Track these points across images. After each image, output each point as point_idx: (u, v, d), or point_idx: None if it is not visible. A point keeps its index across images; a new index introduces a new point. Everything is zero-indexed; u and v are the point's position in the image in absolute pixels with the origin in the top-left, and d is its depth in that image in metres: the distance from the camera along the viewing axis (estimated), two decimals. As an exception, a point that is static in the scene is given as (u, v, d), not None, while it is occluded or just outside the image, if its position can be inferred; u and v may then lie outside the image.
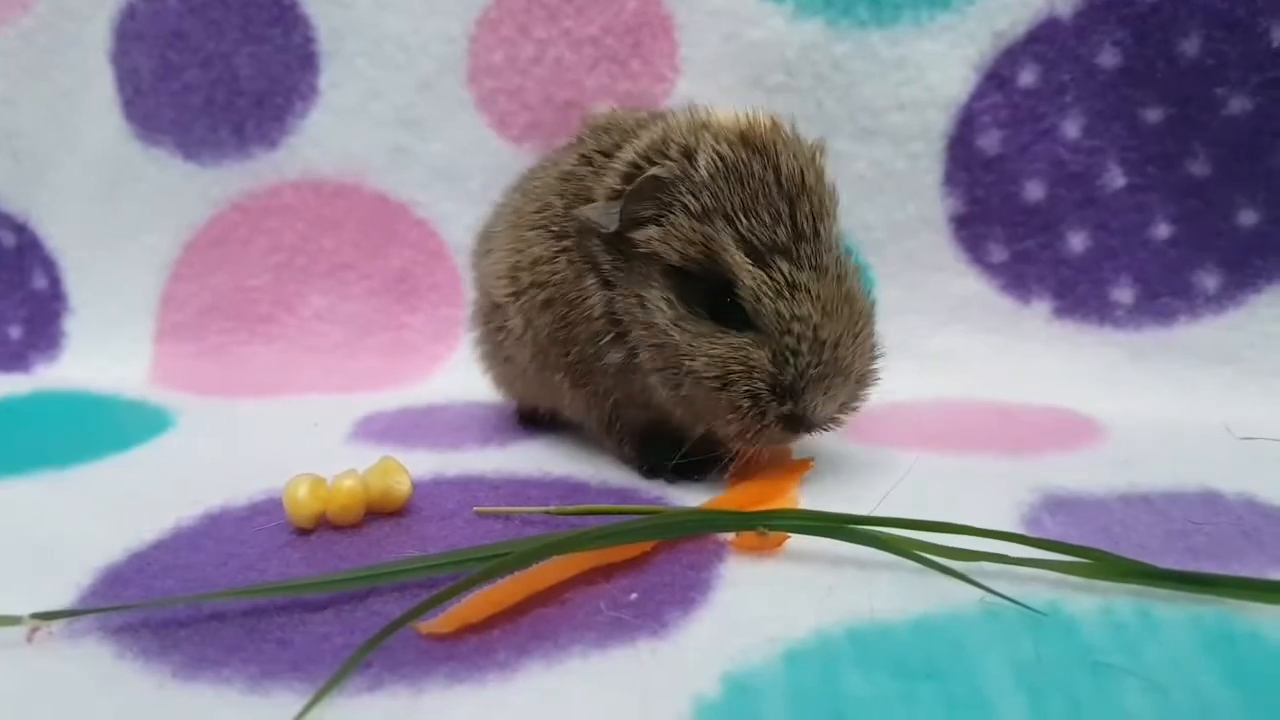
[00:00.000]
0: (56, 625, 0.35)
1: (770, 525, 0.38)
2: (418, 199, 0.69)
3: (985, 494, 0.45)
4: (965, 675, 0.31)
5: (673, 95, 0.65)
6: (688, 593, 0.36)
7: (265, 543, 0.42)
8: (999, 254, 0.62)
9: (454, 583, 0.34)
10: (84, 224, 0.73)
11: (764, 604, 0.35)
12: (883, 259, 0.63)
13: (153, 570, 0.40)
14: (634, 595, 0.36)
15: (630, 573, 0.38)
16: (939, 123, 0.61)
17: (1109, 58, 0.59)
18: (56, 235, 0.74)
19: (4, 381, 0.72)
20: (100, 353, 0.73)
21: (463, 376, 0.66)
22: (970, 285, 0.62)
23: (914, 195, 0.62)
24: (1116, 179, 0.59)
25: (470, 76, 0.67)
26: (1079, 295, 0.61)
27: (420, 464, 0.50)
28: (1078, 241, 0.61)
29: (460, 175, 0.68)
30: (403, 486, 0.45)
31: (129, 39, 0.69)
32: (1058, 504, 0.44)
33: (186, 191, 0.71)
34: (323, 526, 0.43)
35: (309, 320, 0.71)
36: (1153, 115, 0.58)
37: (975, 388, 0.61)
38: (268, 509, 0.46)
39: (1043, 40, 0.59)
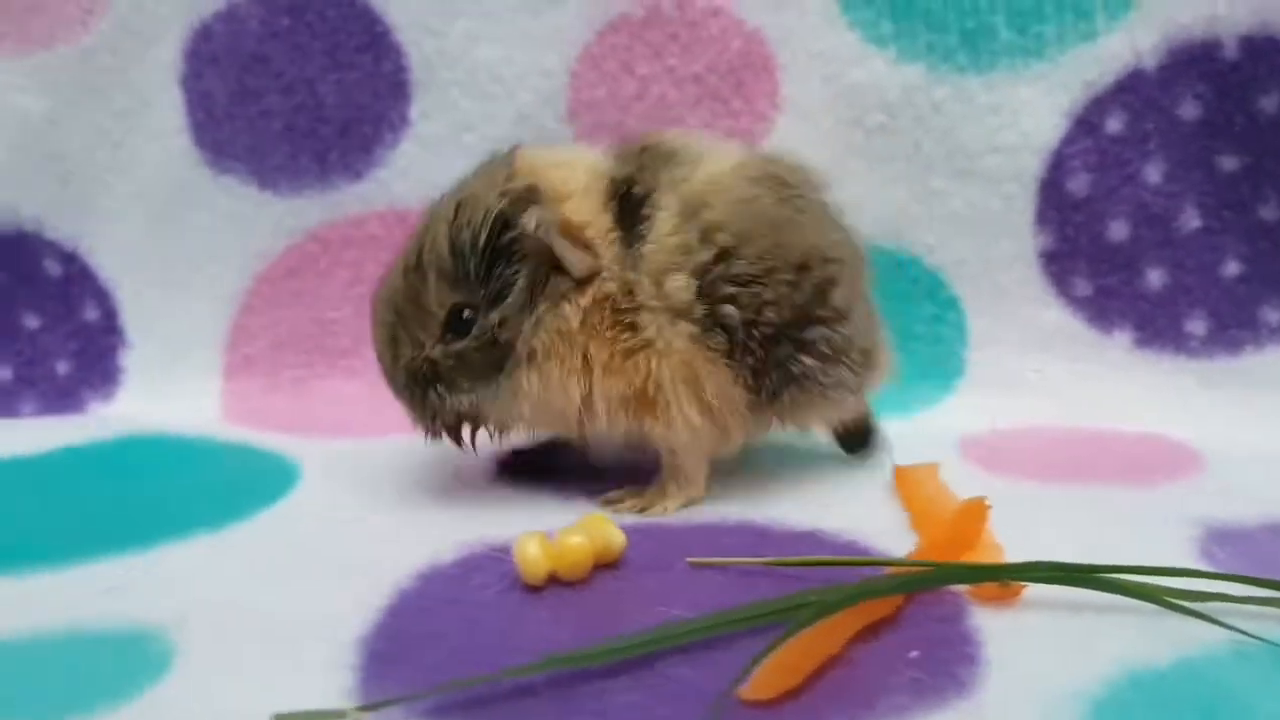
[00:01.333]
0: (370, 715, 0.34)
1: (1015, 577, 0.41)
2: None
3: (1147, 528, 0.49)
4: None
5: (772, 134, 0.66)
6: (962, 648, 0.38)
7: (503, 603, 0.42)
8: (1084, 288, 0.66)
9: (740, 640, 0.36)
10: (142, 253, 0.69)
11: (1037, 657, 0.38)
12: (977, 291, 0.67)
13: (408, 641, 0.39)
14: (914, 653, 0.38)
15: (886, 628, 0.40)
16: (1032, 166, 0.65)
17: (1190, 109, 0.63)
18: (110, 265, 0.70)
19: (65, 424, 0.68)
20: (163, 390, 0.70)
21: None
22: (1056, 317, 0.66)
23: (1007, 233, 0.66)
24: (1193, 221, 0.64)
25: (570, 111, 0.67)
26: (1157, 327, 0.65)
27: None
28: (1156, 278, 0.65)
29: (554, 208, 0.68)
30: (618, 540, 0.45)
31: (202, 61, 0.66)
32: (1221, 536, 0.48)
33: (259, 221, 0.68)
34: (551, 583, 0.44)
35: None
36: (1229, 164, 0.63)
37: (1063, 415, 0.65)
38: (480, 565, 0.45)
39: (1129, 90, 0.63)
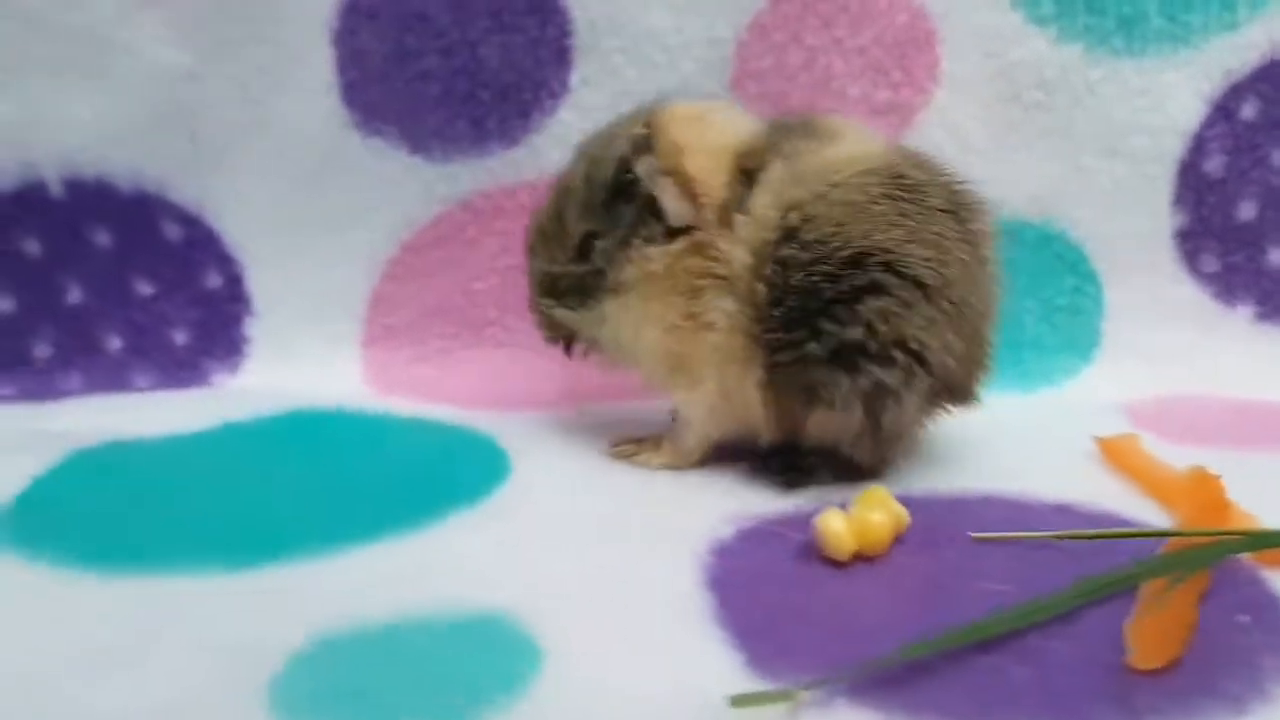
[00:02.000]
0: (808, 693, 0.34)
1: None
2: (660, 200, 0.68)
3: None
4: None
5: (929, 106, 0.67)
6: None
7: (824, 580, 0.43)
8: (1212, 265, 0.70)
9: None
10: (274, 217, 0.66)
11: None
12: (1115, 265, 0.69)
13: (764, 619, 0.40)
14: (1244, 617, 0.40)
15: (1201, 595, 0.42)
16: (1174, 148, 0.68)
17: (1318, 98, 0.67)
18: (236, 230, 0.66)
19: (202, 396, 0.64)
20: (297, 360, 0.67)
21: None
22: (1186, 292, 0.70)
23: (1148, 211, 0.69)
24: (1313, 203, 0.68)
25: (734, 80, 0.66)
26: (1277, 303, 0.70)
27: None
28: (1277, 256, 0.69)
29: (710, 177, 0.67)
30: (905, 516, 0.46)
31: (360, 17, 0.62)
32: None
33: (408, 186, 0.66)
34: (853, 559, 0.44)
35: (539, 325, 0.69)
36: (1349, 149, 0.68)
37: (1193, 382, 0.69)
38: (764, 540, 0.46)
39: (1264, 79, 0.67)
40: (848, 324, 0.48)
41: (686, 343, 0.51)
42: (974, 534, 0.47)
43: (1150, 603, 0.39)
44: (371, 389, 0.67)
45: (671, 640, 0.38)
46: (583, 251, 0.53)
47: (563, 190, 0.54)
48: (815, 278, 0.48)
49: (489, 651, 0.37)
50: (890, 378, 0.49)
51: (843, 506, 0.45)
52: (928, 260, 0.48)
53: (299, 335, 0.68)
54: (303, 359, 0.67)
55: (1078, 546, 0.45)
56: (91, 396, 0.64)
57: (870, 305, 0.48)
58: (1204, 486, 0.50)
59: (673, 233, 0.50)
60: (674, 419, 0.55)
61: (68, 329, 0.65)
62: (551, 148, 0.66)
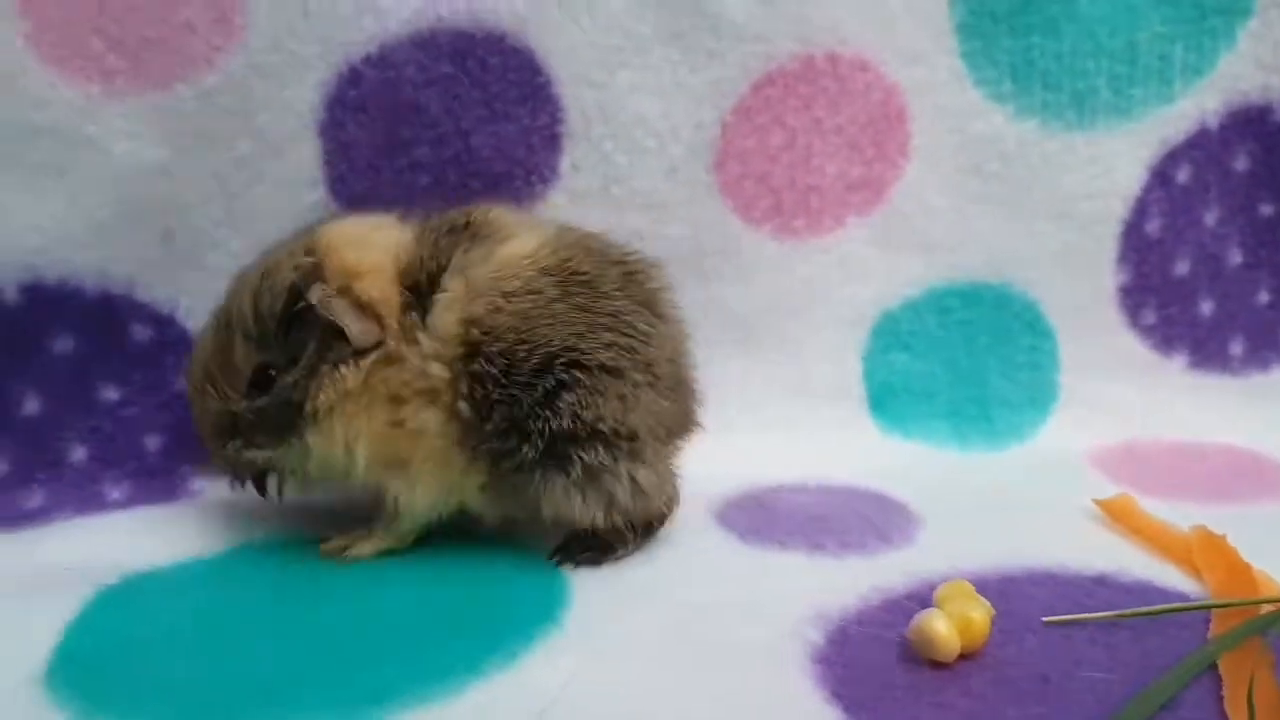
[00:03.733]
0: None
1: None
2: (648, 280, 0.68)
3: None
4: None
5: (901, 180, 0.70)
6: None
7: (941, 685, 0.44)
8: (1150, 318, 0.75)
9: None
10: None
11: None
12: (1066, 322, 0.74)
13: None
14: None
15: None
16: (1118, 210, 0.73)
17: (1241, 163, 0.73)
18: (211, 328, 0.62)
19: (203, 513, 0.60)
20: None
21: (703, 460, 0.67)
22: (1128, 343, 0.75)
23: (1094, 270, 0.74)
24: (1236, 258, 0.75)
25: (718, 162, 0.67)
26: (1208, 351, 0.76)
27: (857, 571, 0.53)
28: (1207, 308, 0.76)
29: (694, 255, 0.68)
30: (990, 607, 0.48)
31: (347, 109, 0.60)
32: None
33: (394, 276, 0.64)
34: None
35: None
36: (1266, 210, 0.74)
37: (1139, 429, 0.74)
38: (859, 643, 0.47)
39: (1196, 146, 0.73)
40: (551, 419, 0.51)
41: (401, 447, 0.52)
42: (1046, 619, 0.49)
43: (1234, 678, 0.42)
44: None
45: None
46: (258, 385, 0.52)
47: (223, 325, 0.53)
48: (512, 390, 0.51)
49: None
50: (603, 458, 0.52)
51: (920, 605, 0.47)
52: (610, 345, 0.52)
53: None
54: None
55: (1138, 622, 0.48)
56: (74, 518, 0.59)
57: (566, 400, 0.51)
58: (1213, 547, 0.54)
59: (360, 352, 0.51)
60: (380, 505, 0.55)
61: (26, 442, 0.60)
62: (540, 234, 0.65)
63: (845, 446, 0.69)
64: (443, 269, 0.52)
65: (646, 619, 0.49)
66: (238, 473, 0.55)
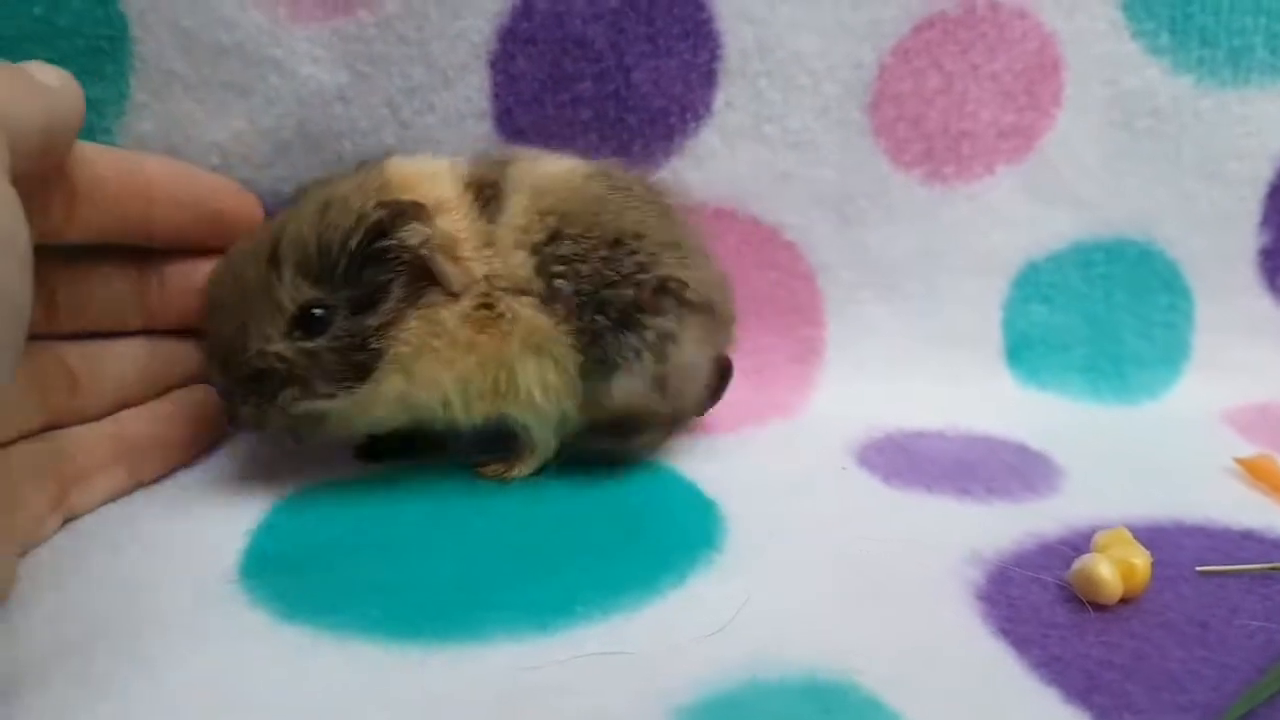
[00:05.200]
0: None
1: None
2: (790, 221, 0.69)
3: None
4: None
5: (1052, 130, 0.70)
6: None
7: (1102, 625, 0.45)
8: (1289, 281, 0.75)
9: None
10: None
11: None
12: (1204, 282, 0.74)
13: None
14: None
15: None
16: (1265, 172, 0.72)
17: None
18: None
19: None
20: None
21: (841, 402, 0.69)
22: (1265, 306, 0.75)
23: (1235, 231, 0.73)
24: (1376, 220, 0.74)
25: (873, 103, 0.67)
26: (1344, 315, 0.75)
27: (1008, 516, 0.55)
28: (1346, 272, 0.75)
29: (842, 200, 0.69)
30: (1150, 556, 0.49)
31: (518, 42, 0.61)
32: None
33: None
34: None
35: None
36: None
37: (1274, 391, 0.74)
38: (1010, 582, 0.48)
39: (1349, 107, 0.72)
40: (624, 286, 0.53)
41: (491, 349, 0.52)
42: (1200, 568, 0.50)
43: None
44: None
45: (997, 693, 0.40)
46: (301, 325, 0.49)
47: (264, 258, 0.49)
48: (594, 264, 0.52)
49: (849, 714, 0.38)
50: (667, 323, 0.53)
51: (1075, 551, 0.48)
52: (659, 227, 0.55)
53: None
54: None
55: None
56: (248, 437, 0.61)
57: (629, 262, 0.53)
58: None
59: (452, 295, 0.51)
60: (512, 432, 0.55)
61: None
62: (689, 170, 0.66)
63: (981, 395, 0.70)
64: (498, 185, 0.53)
65: (804, 551, 0.51)
66: (284, 424, 0.51)
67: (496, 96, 0.62)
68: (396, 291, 0.49)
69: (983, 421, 0.67)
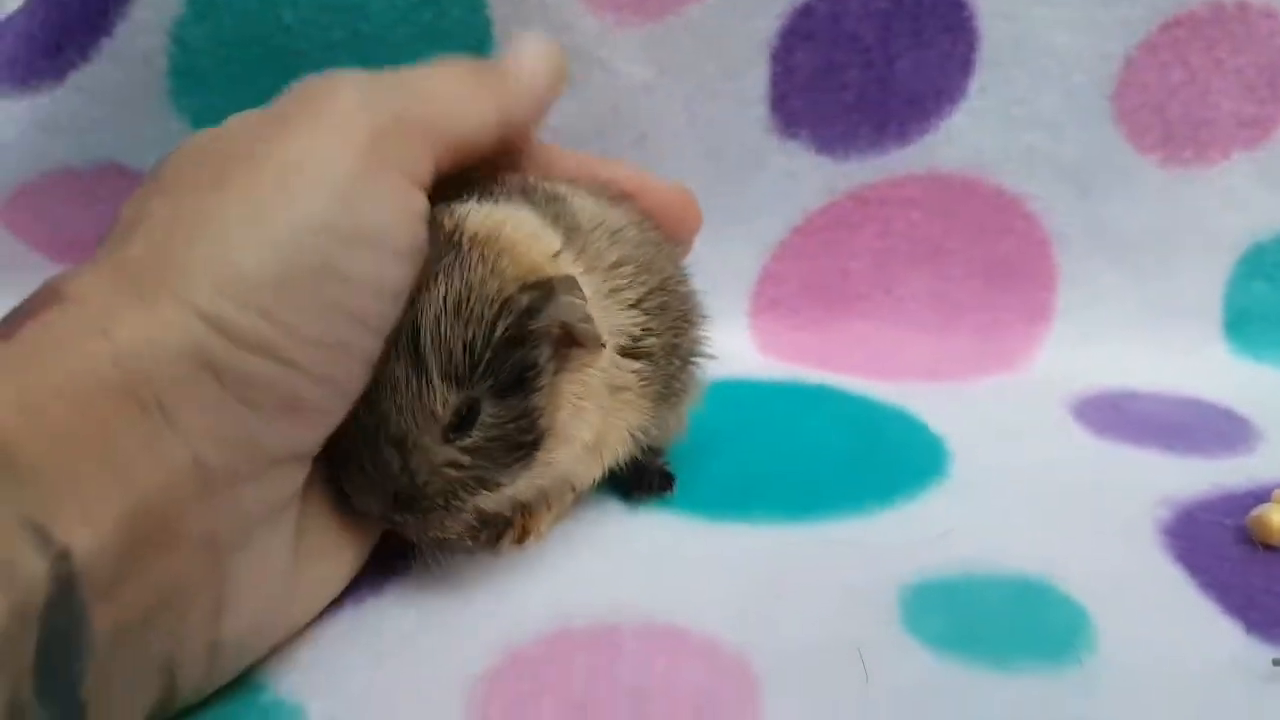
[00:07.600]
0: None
1: None
2: (1034, 192, 0.77)
3: None
4: None
5: (1282, 120, 0.74)
6: None
7: (1274, 562, 0.53)
8: None
9: None
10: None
11: None
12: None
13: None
14: None
15: None
16: None
17: None
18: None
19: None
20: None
21: (1062, 361, 0.76)
22: None
23: None
24: None
25: (1117, 91, 0.74)
26: None
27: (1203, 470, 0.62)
28: None
29: (1082, 174, 0.76)
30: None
31: (798, 37, 0.72)
32: None
33: (809, 181, 0.76)
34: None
35: (904, 300, 0.79)
36: None
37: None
38: (1194, 523, 0.56)
39: None
40: (685, 332, 0.54)
41: (605, 422, 0.50)
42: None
43: None
44: (755, 350, 0.79)
45: (1168, 602, 0.49)
46: (458, 427, 0.44)
47: (407, 368, 0.43)
48: (667, 311, 0.52)
49: (1050, 609, 0.48)
50: (690, 374, 0.55)
51: (1257, 502, 0.56)
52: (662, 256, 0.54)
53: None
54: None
55: None
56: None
57: (675, 304, 0.53)
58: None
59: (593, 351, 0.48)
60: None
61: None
62: (941, 145, 0.76)
63: (1198, 363, 0.76)
64: (578, 227, 0.50)
65: (1017, 485, 0.60)
66: (471, 530, 0.48)
67: (774, 85, 0.74)
68: (549, 366, 0.45)
69: (1193, 386, 0.74)
